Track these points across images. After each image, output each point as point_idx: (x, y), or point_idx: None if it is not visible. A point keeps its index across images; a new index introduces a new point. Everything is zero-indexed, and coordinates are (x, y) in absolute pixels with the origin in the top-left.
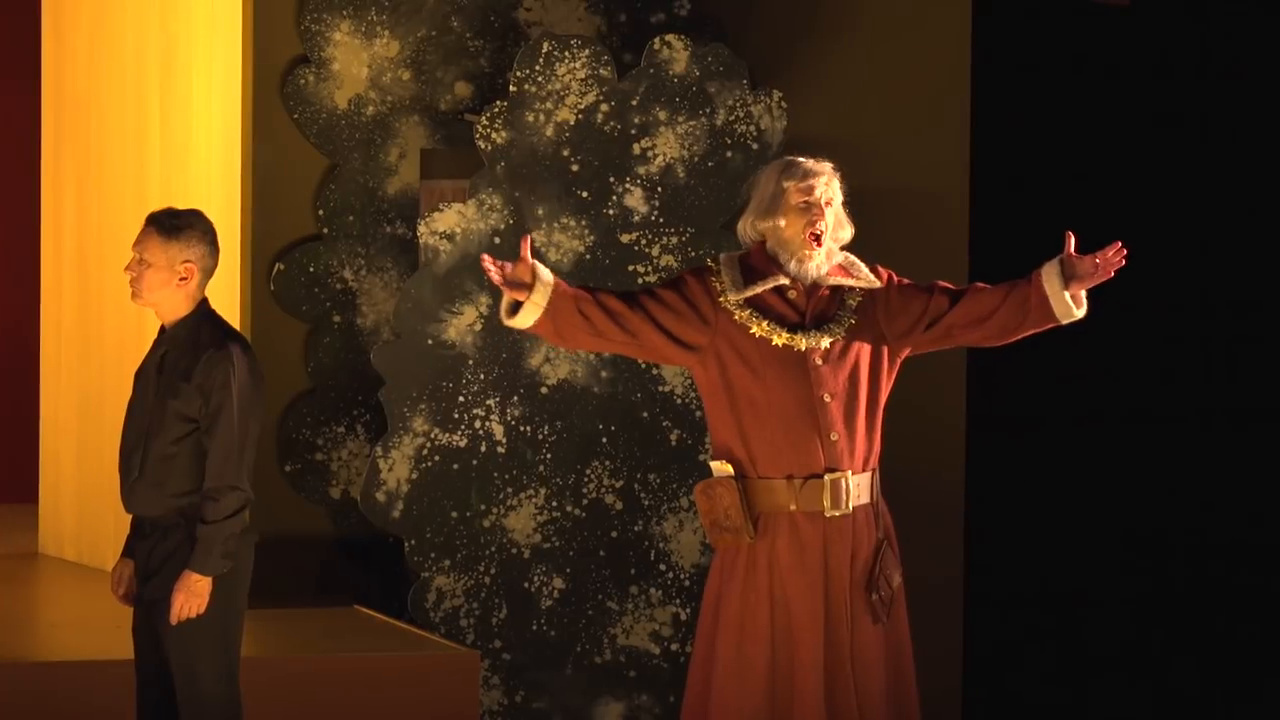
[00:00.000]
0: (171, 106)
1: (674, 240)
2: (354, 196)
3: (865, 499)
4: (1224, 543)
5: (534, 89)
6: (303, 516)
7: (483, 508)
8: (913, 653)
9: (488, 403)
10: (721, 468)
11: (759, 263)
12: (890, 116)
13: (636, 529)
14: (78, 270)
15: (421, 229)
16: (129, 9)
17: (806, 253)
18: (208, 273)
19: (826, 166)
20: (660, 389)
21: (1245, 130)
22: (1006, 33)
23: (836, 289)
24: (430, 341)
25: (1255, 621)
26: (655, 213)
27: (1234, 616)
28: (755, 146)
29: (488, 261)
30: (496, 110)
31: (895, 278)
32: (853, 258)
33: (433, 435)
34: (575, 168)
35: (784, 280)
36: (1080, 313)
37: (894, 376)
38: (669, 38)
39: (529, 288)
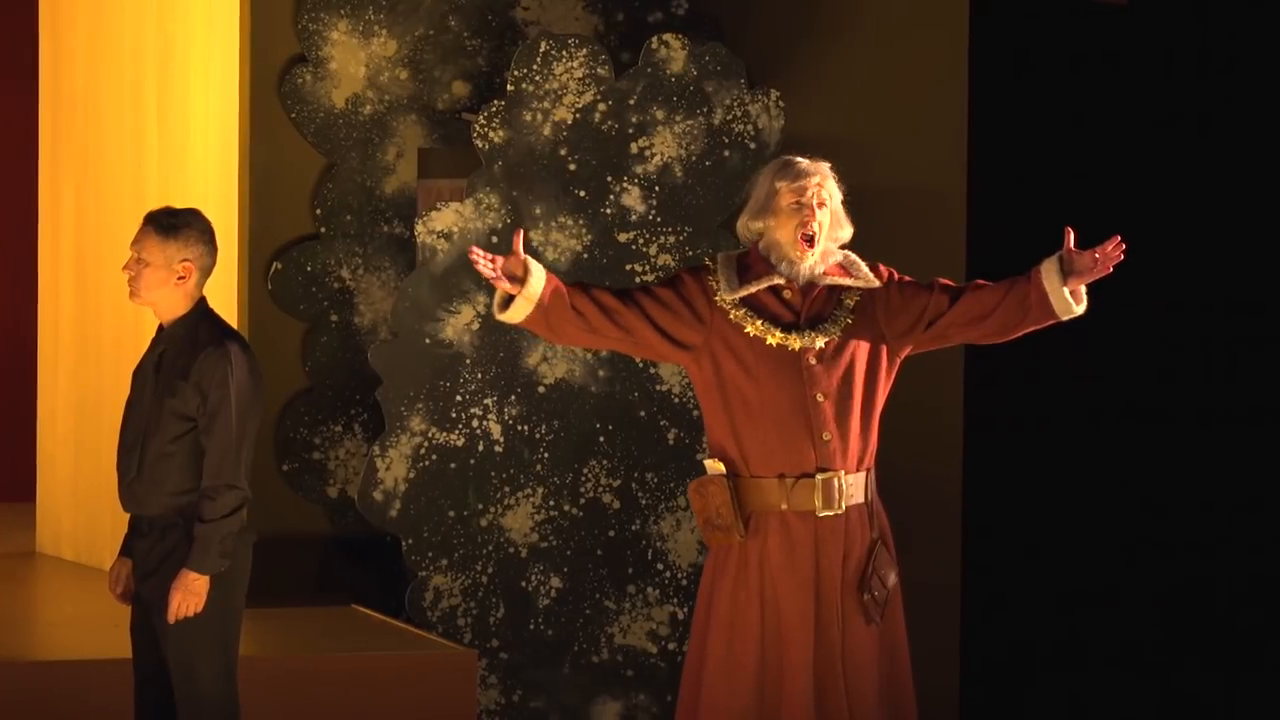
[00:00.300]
0: (169, 106)
1: (671, 239)
2: (351, 196)
3: (859, 499)
4: (1223, 542)
5: (531, 88)
6: (300, 516)
7: (480, 507)
8: (909, 653)
9: (485, 402)
10: (714, 466)
11: (755, 262)
12: (888, 116)
13: (634, 528)
14: (76, 269)
15: (419, 228)
16: (127, 8)
17: (798, 254)
18: (206, 272)
19: (822, 167)
20: (658, 388)
21: (1244, 129)
22: (1004, 32)
23: (834, 288)
24: (428, 340)
25: (1255, 621)
26: (653, 212)
27: (1233, 616)
28: (753, 146)
29: (476, 253)
30: (494, 109)
31: (896, 276)
32: (853, 257)
33: (430, 434)
34: (573, 167)
35: (778, 280)
36: (1080, 309)
37: (893, 376)
38: (666, 37)
39: (521, 281)
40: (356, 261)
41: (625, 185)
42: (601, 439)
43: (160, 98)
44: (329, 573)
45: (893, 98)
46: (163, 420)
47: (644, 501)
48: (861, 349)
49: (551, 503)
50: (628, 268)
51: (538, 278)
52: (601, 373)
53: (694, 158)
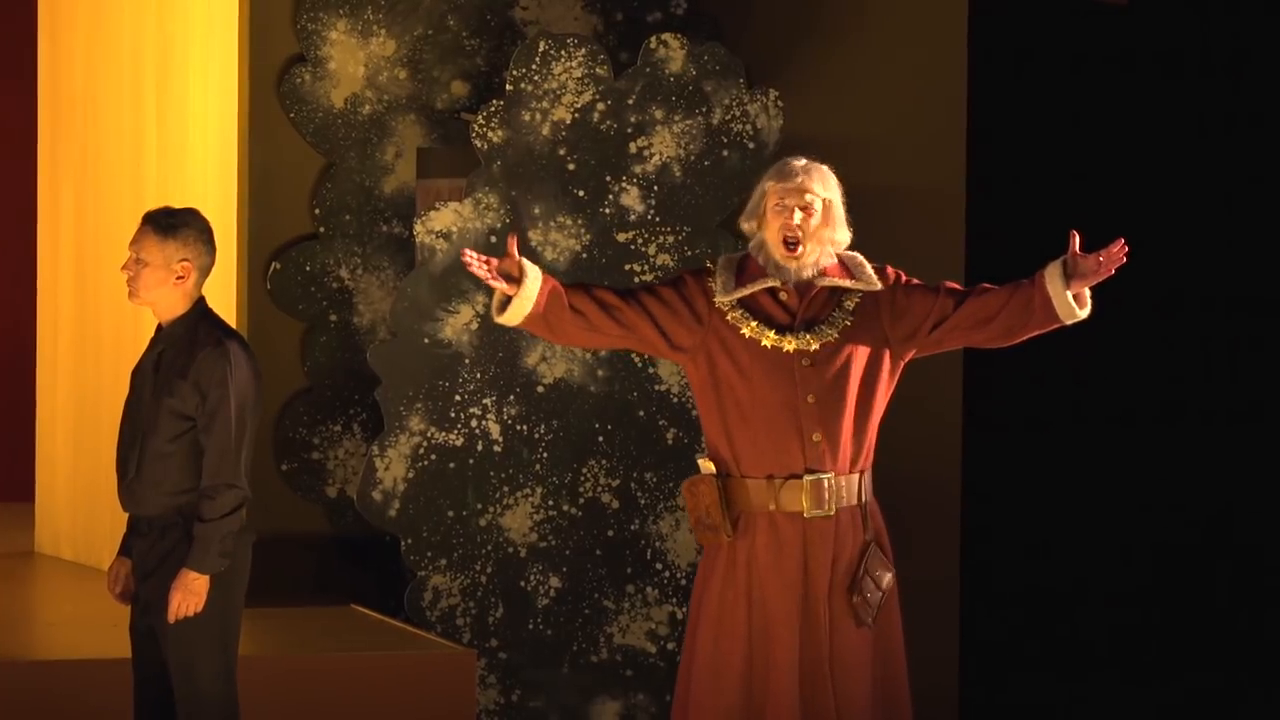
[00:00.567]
0: (168, 105)
1: (670, 239)
2: (350, 195)
3: (851, 501)
4: (1222, 542)
5: (530, 88)
6: (299, 515)
7: (479, 507)
8: (905, 656)
9: (484, 402)
10: (705, 465)
11: (752, 264)
12: (887, 116)
13: (633, 528)
14: (75, 269)
15: (418, 228)
16: (126, 8)
17: (780, 257)
18: (204, 271)
19: (815, 169)
20: (657, 388)
21: (1244, 129)
22: (1003, 31)
23: (835, 290)
24: (427, 340)
25: (1253, 621)
26: (651, 212)
27: (1232, 616)
28: (751, 145)
29: (469, 255)
30: (493, 109)
31: (904, 278)
32: (860, 259)
33: (429, 434)
34: (572, 166)
35: (773, 282)
36: (1083, 313)
37: (895, 380)
38: (665, 37)
39: (517, 282)
40: (355, 261)
41: (624, 185)
42: (600, 439)
43: (159, 97)
44: (328, 572)
45: (892, 98)
46: (161, 420)
47: (643, 501)
48: (860, 351)
49: (550, 502)
50: (626, 268)
51: (533, 279)
52: (600, 372)
53: (693, 157)
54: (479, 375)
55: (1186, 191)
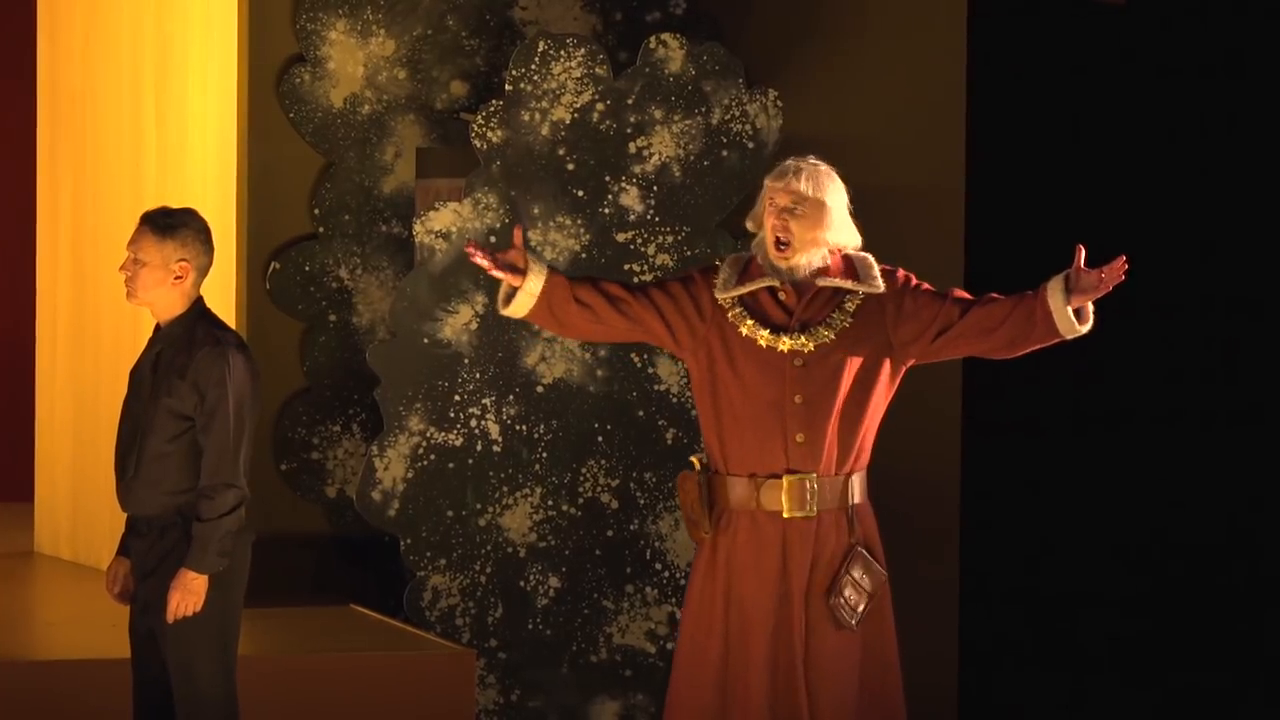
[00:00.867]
0: (167, 105)
1: (669, 239)
2: (350, 195)
3: (836, 503)
4: (1221, 543)
5: (530, 88)
6: (298, 515)
7: (478, 506)
8: (900, 662)
9: (483, 401)
10: (695, 461)
11: (754, 262)
12: (886, 115)
13: (632, 528)
14: (73, 269)
15: (417, 228)
16: (124, 8)
17: (773, 255)
18: (202, 271)
19: (808, 169)
20: (656, 388)
21: (1244, 129)
22: (1003, 31)
23: (837, 291)
24: (426, 340)
25: (1255, 621)
26: (651, 211)
27: (1231, 616)
28: (751, 145)
29: (472, 247)
30: (492, 109)
31: (914, 282)
32: (870, 260)
33: (428, 434)
34: (571, 166)
35: (773, 281)
36: (1084, 328)
37: (895, 384)
38: (665, 36)
39: (522, 274)
40: (355, 261)
41: (623, 185)
42: (600, 439)
43: (158, 97)
44: (327, 572)
45: (891, 98)
46: (160, 420)
47: (642, 501)
48: (856, 354)
49: (550, 502)
50: (626, 267)
51: (538, 272)
52: (600, 372)
53: (692, 157)
54: (478, 375)
55: (1186, 191)
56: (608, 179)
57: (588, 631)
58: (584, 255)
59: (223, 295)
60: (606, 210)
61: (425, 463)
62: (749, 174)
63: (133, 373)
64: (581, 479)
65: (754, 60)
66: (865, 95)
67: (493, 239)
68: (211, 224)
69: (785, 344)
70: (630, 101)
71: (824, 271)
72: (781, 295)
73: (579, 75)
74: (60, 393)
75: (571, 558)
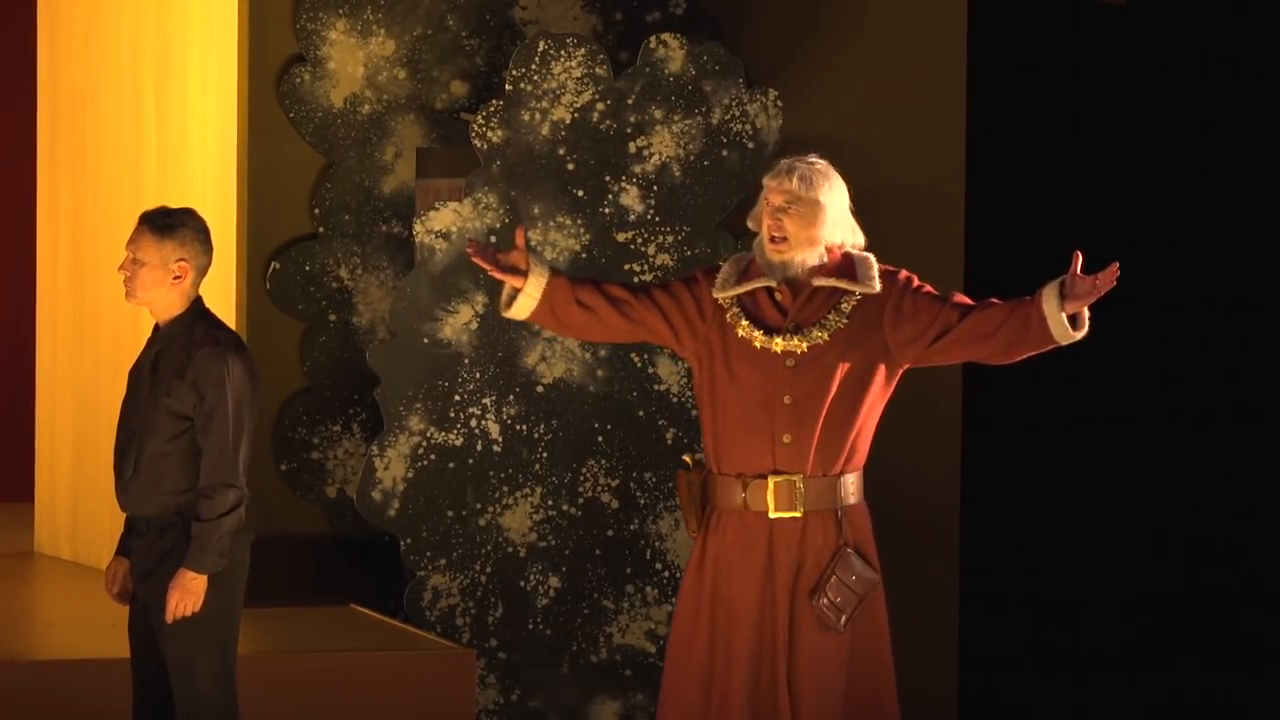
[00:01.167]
0: (167, 105)
1: (670, 239)
2: (350, 195)
3: (824, 504)
4: (1221, 542)
5: (530, 87)
6: (298, 515)
7: (478, 506)
8: (892, 662)
9: (483, 401)
10: (685, 460)
11: (754, 262)
12: (886, 116)
13: (632, 528)
14: (73, 269)
15: (417, 228)
16: (124, 8)
17: (769, 254)
18: (201, 271)
19: (803, 168)
20: (656, 388)
21: (1244, 129)
22: (1003, 31)
23: (835, 291)
24: (426, 340)
25: (1255, 621)
26: (651, 211)
27: (1231, 616)
28: (751, 145)
29: (473, 248)
30: (492, 109)
31: (915, 283)
32: (871, 260)
33: (428, 434)
34: (571, 166)
35: (769, 281)
36: (1079, 335)
37: (892, 385)
38: (665, 36)
39: (523, 274)
40: (355, 261)
41: (623, 185)
42: (600, 439)
43: (158, 97)
44: (327, 572)
45: (891, 98)
46: (159, 420)
47: (642, 501)
48: (851, 355)
49: (550, 502)
50: (626, 267)
51: (539, 274)
52: (600, 372)
53: (692, 157)
54: (478, 375)
55: (1186, 191)
56: (608, 179)
57: (588, 631)
58: (584, 255)
59: (223, 295)
60: (607, 210)
61: (425, 463)
62: (749, 174)
63: (132, 373)
64: (582, 479)
65: (754, 60)
66: (865, 95)
67: (493, 239)
68: (211, 224)
69: (779, 345)
70: (630, 101)
71: (821, 270)
72: (778, 295)
73: (579, 75)
74: (60, 393)
75: (572, 557)
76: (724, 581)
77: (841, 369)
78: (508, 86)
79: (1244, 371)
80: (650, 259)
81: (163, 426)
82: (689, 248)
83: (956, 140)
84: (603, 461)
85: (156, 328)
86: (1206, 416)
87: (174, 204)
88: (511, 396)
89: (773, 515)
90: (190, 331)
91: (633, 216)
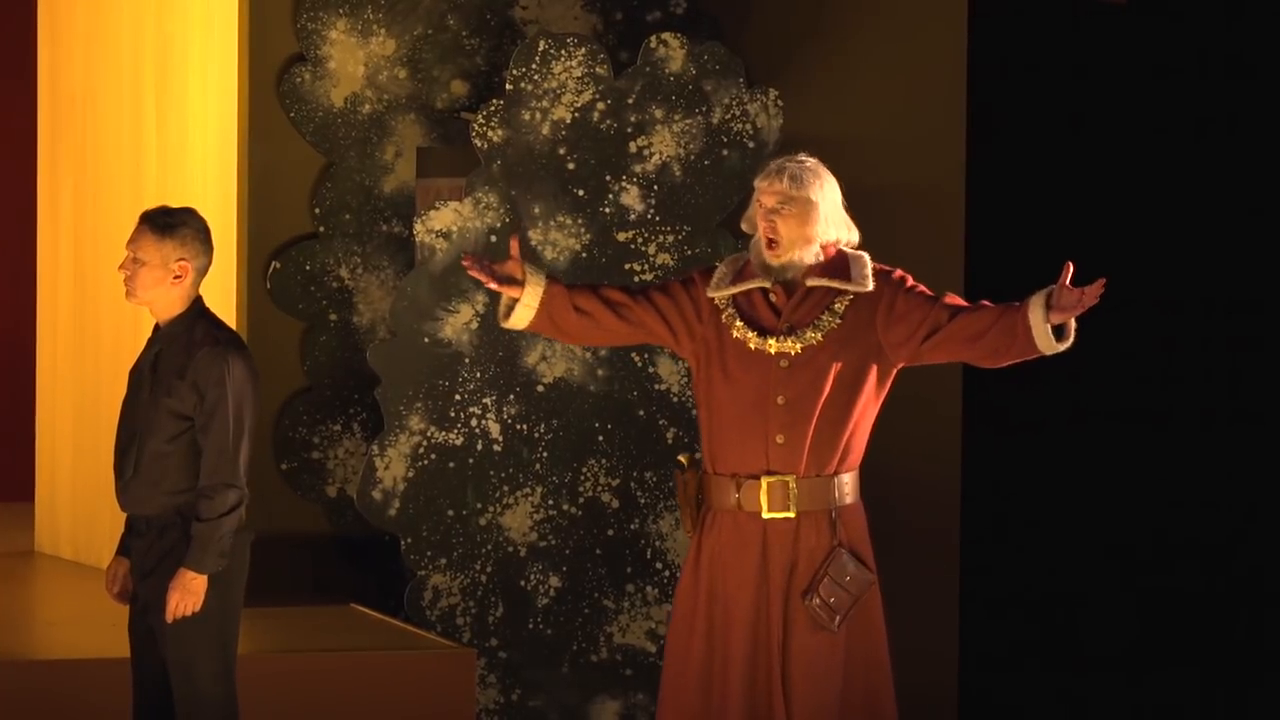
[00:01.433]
0: (168, 105)
1: (670, 239)
2: (350, 195)
3: (819, 505)
4: (1221, 542)
5: (530, 87)
6: (299, 515)
7: (479, 506)
8: (889, 662)
9: (484, 401)
10: (680, 460)
11: (749, 263)
12: (887, 115)
13: (633, 527)
14: (74, 269)
15: (418, 227)
16: (125, 8)
17: (765, 255)
18: (202, 271)
19: (794, 167)
20: (657, 387)
21: (1243, 129)
22: (1003, 31)
23: (829, 291)
24: (426, 340)
25: (1255, 621)
26: (651, 211)
27: (1231, 616)
28: (751, 145)
29: (469, 260)
30: (493, 108)
31: (909, 282)
32: (865, 259)
33: (429, 433)
34: (571, 166)
35: (763, 282)
36: (1063, 346)
37: (887, 385)
38: (665, 36)
39: (520, 284)
40: (355, 261)
41: (624, 184)
42: (600, 438)
43: (159, 97)
44: (328, 572)
45: (891, 97)
46: (160, 420)
47: (643, 501)
48: (845, 355)
49: (550, 502)
50: (626, 267)
51: (536, 283)
52: (600, 372)
53: (693, 157)
54: (479, 374)
55: (1186, 191)
56: (608, 178)
57: (588, 631)
58: (584, 255)
59: (223, 295)
60: (607, 210)
61: (426, 462)
62: (749, 173)
63: (132, 372)
64: (582, 478)
65: (754, 60)
66: (865, 95)
67: (493, 238)
68: (212, 224)
69: (773, 345)
70: (631, 101)
71: (816, 270)
72: (772, 297)
73: (579, 75)
74: (61, 392)
75: (572, 557)
76: (719, 582)
77: (835, 369)
78: (508, 86)
79: (1244, 371)
80: (651, 259)
81: (163, 426)
82: (689, 247)
83: (956, 140)
84: (603, 461)
85: (157, 327)
86: (1206, 416)
87: (174, 204)
88: (512, 396)
89: (766, 515)
90: (190, 331)
91: (633, 216)
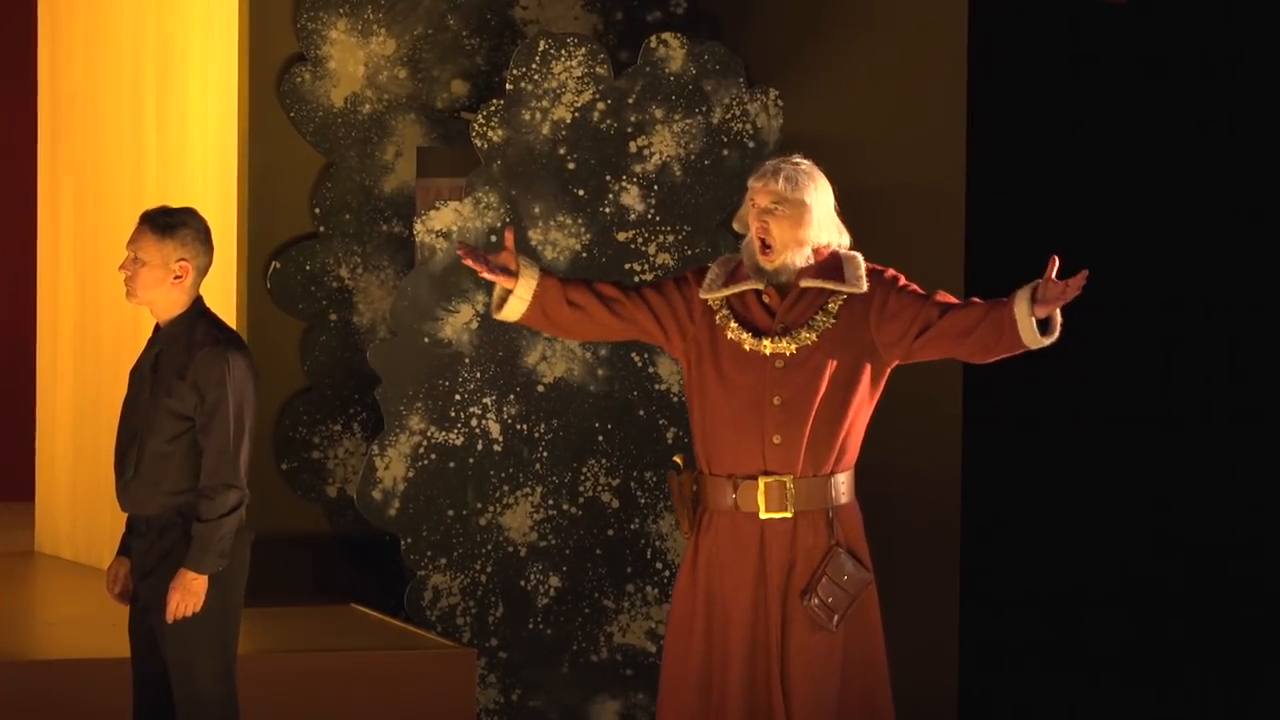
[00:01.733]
0: (168, 105)
1: (670, 238)
2: (350, 195)
3: (816, 505)
4: (1221, 542)
5: (530, 87)
6: (299, 515)
7: (479, 506)
8: (886, 661)
9: (484, 401)
10: (676, 461)
11: (742, 264)
12: (887, 115)
13: (633, 527)
14: (74, 269)
15: (418, 227)
16: (125, 8)
17: (757, 257)
18: (202, 271)
19: (788, 169)
20: (657, 387)
21: (1244, 129)
22: (1003, 31)
23: (822, 291)
24: (426, 340)
25: (1254, 621)
26: (651, 211)
27: (1231, 615)
28: (751, 145)
29: (463, 250)
30: (493, 108)
31: (900, 281)
32: (858, 259)
33: (429, 433)
34: (571, 166)
35: (756, 284)
36: (1048, 340)
37: (881, 384)
38: (665, 36)
39: (514, 276)
40: (355, 260)
41: (624, 184)
42: (600, 438)
43: (159, 97)
44: (328, 572)
45: (892, 97)
46: (160, 420)
47: (643, 500)
48: (840, 354)
49: (550, 502)
50: (626, 267)
51: (529, 276)
52: (600, 372)
53: (693, 157)
54: (479, 374)
55: (1186, 191)
56: (608, 178)
57: (588, 631)
58: (585, 254)
59: (223, 295)
60: (607, 209)
61: (426, 462)
62: (750, 173)
63: (133, 373)
64: (582, 478)
65: (755, 59)
66: (865, 95)
67: (493, 238)
68: (212, 224)
69: (768, 347)
70: (631, 101)
71: (809, 271)
72: (765, 298)
73: (580, 74)
74: (61, 392)
75: (572, 557)
76: (717, 582)
77: (830, 369)
78: (508, 86)
79: (1244, 371)
80: (651, 258)
81: (163, 426)
82: (690, 247)
83: (956, 140)
84: (603, 461)
85: (157, 327)
86: (1206, 416)
87: (175, 204)
88: (512, 396)
89: (764, 516)
90: (191, 331)
91: (633, 216)
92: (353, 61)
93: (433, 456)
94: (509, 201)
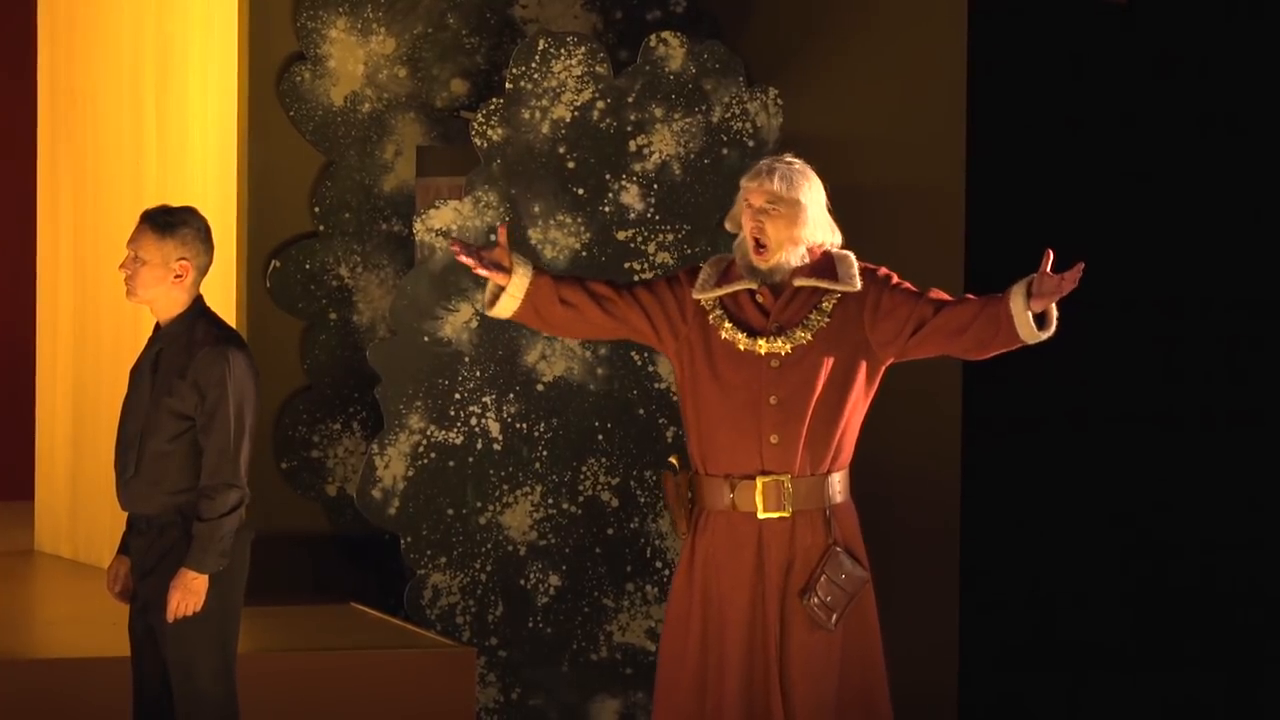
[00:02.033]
0: (168, 104)
1: (670, 237)
2: (350, 193)
3: (813, 504)
4: (1221, 542)
5: (530, 86)
6: (299, 514)
7: (479, 505)
8: (883, 661)
9: (484, 400)
10: (671, 461)
11: (735, 264)
12: (887, 114)
13: (632, 526)
14: (74, 268)
15: (418, 226)
16: (125, 8)
17: (751, 257)
18: (202, 270)
19: (782, 168)
20: (656, 386)
21: (1244, 129)
22: (1003, 31)
23: (815, 290)
24: (426, 338)
25: (1254, 621)
26: (651, 210)
27: (1233, 616)
28: (751, 144)
29: (457, 246)
30: (493, 107)
31: (894, 280)
32: (850, 258)
33: (429, 432)
34: (571, 165)
35: (750, 284)
36: (1045, 335)
37: (876, 383)
38: (665, 35)
39: (507, 272)
40: (355, 259)
41: (624, 183)
42: (600, 437)
43: (159, 96)
44: (327, 571)
45: (891, 96)
46: (160, 419)
47: (642, 499)
48: (835, 353)
49: (550, 500)
50: (626, 266)
51: (523, 273)
52: (600, 371)
53: (692, 156)
54: (479, 373)
55: (1186, 191)
56: (608, 177)
57: (588, 630)
58: (584, 254)
59: (223, 294)
60: (607, 208)
61: (425, 461)
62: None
63: (133, 372)
64: (582, 477)
65: (754, 58)
66: (865, 95)
67: (491, 237)
68: (212, 223)
69: (763, 346)
70: (630, 100)
71: (802, 270)
72: (759, 298)
73: (579, 73)
74: (61, 391)
75: (572, 556)
76: (714, 582)
77: (825, 368)
78: (508, 85)
79: (1244, 371)
80: (650, 257)
81: (164, 426)
82: (689, 246)
83: (956, 140)
84: (603, 460)
85: (157, 327)
86: (1206, 416)
87: (174, 203)
88: (512, 395)
89: (761, 516)
90: (191, 330)
91: (633, 215)
92: (352, 60)
93: (432, 455)
94: (508, 200)
